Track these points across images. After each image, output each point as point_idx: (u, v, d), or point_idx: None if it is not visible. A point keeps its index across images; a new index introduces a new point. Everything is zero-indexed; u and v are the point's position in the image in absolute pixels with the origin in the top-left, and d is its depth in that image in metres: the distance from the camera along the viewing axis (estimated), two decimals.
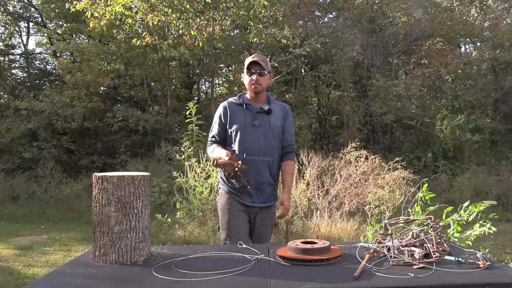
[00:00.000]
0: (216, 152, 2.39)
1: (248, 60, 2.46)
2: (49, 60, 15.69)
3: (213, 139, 2.51)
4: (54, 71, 14.80)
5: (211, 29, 9.89)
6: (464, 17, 14.73)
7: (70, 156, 11.78)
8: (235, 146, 2.40)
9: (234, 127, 2.41)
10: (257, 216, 2.44)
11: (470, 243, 2.62)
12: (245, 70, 2.47)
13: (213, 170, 5.05)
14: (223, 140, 2.48)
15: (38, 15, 15.17)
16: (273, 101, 2.51)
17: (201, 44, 9.55)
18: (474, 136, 11.79)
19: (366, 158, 6.36)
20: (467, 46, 16.48)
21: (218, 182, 2.60)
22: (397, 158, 6.50)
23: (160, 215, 5.09)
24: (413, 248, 1.50)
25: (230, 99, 2.53)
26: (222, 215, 2.42)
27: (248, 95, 2.50)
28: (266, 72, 2.44)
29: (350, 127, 13.13)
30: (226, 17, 9.99)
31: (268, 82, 2.50)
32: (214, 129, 2.51)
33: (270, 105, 2.46)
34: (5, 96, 13.51)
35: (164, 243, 5.15)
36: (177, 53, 10.25)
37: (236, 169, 2.16)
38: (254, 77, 2.40)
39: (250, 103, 2.45)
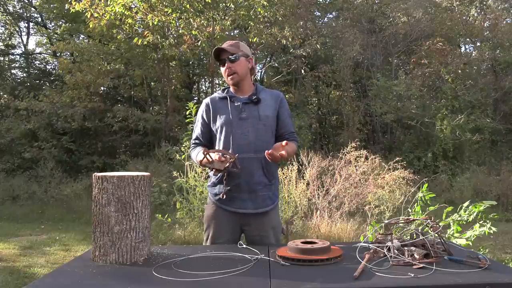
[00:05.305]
0: (201, 154, 2.04)
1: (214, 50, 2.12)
2: (49, 60, 15.69)
3: (197, 141, 2.21)
4: (54, 71, 14.81)
5: (211, 29, 9.89)
6: (464, 17, 14.74)
7: (70, 156, 11.79)
8: (221, 144, 2.09)
9: (218, 123, 2.10)
10: (252, 225, 2.08)
11: (470, 243, 2.62)
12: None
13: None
14: (208, 141, 2.19)
15: (38, 15, 15.18)
16: (262, 90, 2.19)
17: (203, 44, 9.54)
18: (474, 136, 11.80)
19: (366, 158, 6.37)
20: (467, 46, 16.51)
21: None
22: (397, 158, 6.51)
23: (160, 215, 5.10)
24: (413, 248, 1.49)
25: (214, 94, 2.24)
26: (207, 228, 2.15)
27: (231, 88, 2.20)
28: (239, 56, 2.10)
29: (350, 127, 13.13)
30: (226, 17, 9.98)
31: (248, 67, 2.15)
32: (197, 129, 2.22)
33: (258, 94, 2.14)
34: (5, 96, 13.50)
35: (164, 243, 5.15)
36: (178, 51, 10.24)
37: (227, 164, 1.84)
38: (226, 65, 2.11)
39: (235, 95, 2.15)
